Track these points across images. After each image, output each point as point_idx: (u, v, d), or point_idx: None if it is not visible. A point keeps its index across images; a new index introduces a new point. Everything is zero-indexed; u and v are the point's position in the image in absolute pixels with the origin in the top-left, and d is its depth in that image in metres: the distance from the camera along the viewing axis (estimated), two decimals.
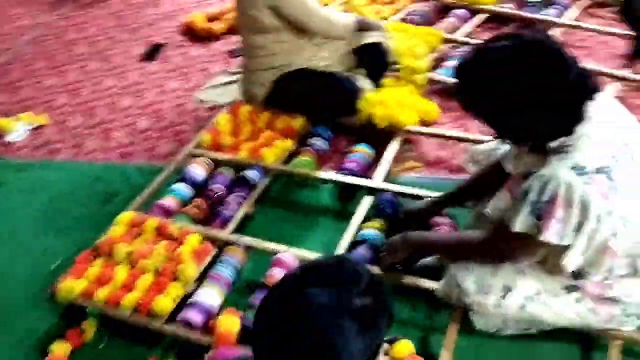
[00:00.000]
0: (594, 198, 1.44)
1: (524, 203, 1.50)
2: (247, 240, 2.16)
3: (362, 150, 2.55)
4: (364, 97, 2.65)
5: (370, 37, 2.83)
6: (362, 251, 2.06)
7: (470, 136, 2.62)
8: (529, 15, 3.42)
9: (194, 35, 3.73)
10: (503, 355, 1.83)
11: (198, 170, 2.49)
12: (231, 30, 3.71)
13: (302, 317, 0.91)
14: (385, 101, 2.65)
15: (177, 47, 3.67)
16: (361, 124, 2.65)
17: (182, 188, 2.42)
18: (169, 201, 2.36)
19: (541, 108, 1.44)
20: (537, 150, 1.54)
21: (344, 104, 2.64)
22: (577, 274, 1.65)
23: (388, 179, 2.43)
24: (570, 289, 1.68)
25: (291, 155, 2.57)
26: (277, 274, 1.99)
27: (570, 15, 3.43)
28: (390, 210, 2.23)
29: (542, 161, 1.50)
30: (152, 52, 3.61)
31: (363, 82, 2.77)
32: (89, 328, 1.95)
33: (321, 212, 2.42)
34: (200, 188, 2.46)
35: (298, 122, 2.67)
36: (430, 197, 2.20)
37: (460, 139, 2.62)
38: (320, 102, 2.65)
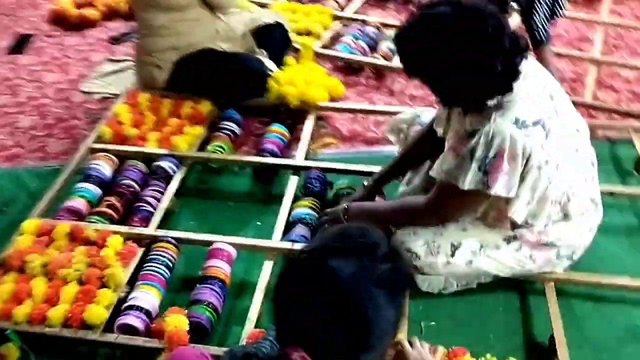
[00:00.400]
0: (534, 149, 1.53)
1: (472, 160, 1.54)
2: (177, 234, 2.02)
3: (278, 131, 2.49)
4: (273, 77, 2.59)
5: (268, 18, 2.77)
6: (300, 231, 2.02)
7: (379, 108, 2.67)
8: None
9: (65, 23, 3.40)
10: (452, 312, 1.89)
11: (103, 167, 2.28)
12: (107, 17, 3.45)
13: (331, 292, 0.87)
14: (294, 80, 2.61)
15: (47, 37, 3.33)
16: (272, 104, 2.59)
17: (89, 187, 2.20)
18: (76, 203, 2.14)
19: (482, 70, 1.48)
20: (475, 110, 1.60)
21: (253, 85, 2.56)
22: (514, 225, 1.75)
23: (309, 156, 2.40)
24: (510, 239, 1.77)
25: (203, 142, 2.44)
26: (216, 264, 1.89)
27: None
28: (319, 187, 2.21)
29: (483, 119, 1.56)
30: (20, 44, 3.24)
31: (267, 62, 2.70)
32: (12, 352, 1.71)
33: (245, 197, 2.34)
34: (108, 185, 2.25)
35: (206, 107, 2.54)
36: (353, 170, 2.22)
37: (369, 112, 2.66)
38: (228, 84, 2.54)
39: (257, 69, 2.55)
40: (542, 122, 1.56)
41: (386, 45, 3.00)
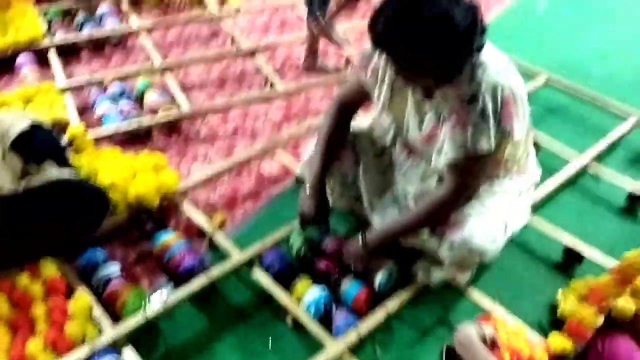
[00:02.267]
0: (521, 87, 1.58)
1: (485, 119, 1.51)
2: None
3: (173, 239, 1.88)
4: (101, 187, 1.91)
5: (17, 125, 1.97)
6: (342, 316, 1.70)
7: (238, 158, 2.30)
8: None
9: None
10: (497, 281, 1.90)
11: None
12: None
13: None
14: (123, 179, 1.98)
15: None
16: (125, 218, 1.95)
17: None
18: None
19: (466, 46, 1.44)
20: (450, 79, 1.53)
21: (97, 208, 1.84)
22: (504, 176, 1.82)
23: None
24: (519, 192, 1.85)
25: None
26: None
27: None
28: (280, 265, 1.83)
29: (472, 82, 1.52)
30: None
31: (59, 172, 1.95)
32: None
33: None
34: None
35: (50, 268, 1.74)
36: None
37: (228, 169, 2.26)
38: (64, 223, 1.76)
39: (90, 189, 1.84)
40: (510, 65, 1.59)
41: (150, 97, 2.54)
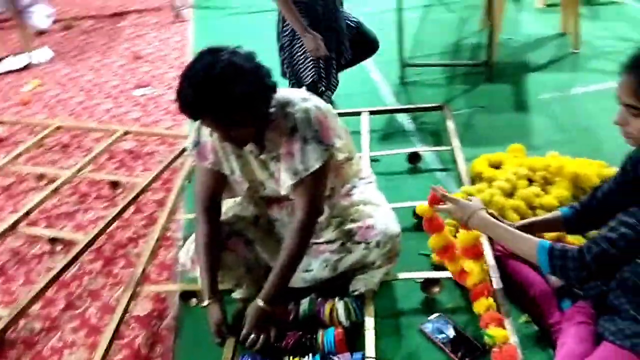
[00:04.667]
0: (326, 104, 1.82)
1: (309, 141, 1.71)
2: None
3: None
4: None
5: None
6: None
7: None
8: None
9: None
10: None
11: None
12: None
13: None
14: None
15: None
16: None
17: None
18: None
19: (260, 80, 1.63)
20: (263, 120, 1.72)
21: None
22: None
23: None
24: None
25: None
26: None
27: None
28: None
29: (284, 118, 1.72)
30: None
31: None
32: None
33: None
34: None
35: None
36: None
37: None
38: None
39: None
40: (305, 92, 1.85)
41: None
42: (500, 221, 1.77)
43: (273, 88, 1.67)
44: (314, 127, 1.71)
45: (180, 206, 2.59)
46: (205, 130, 1.78)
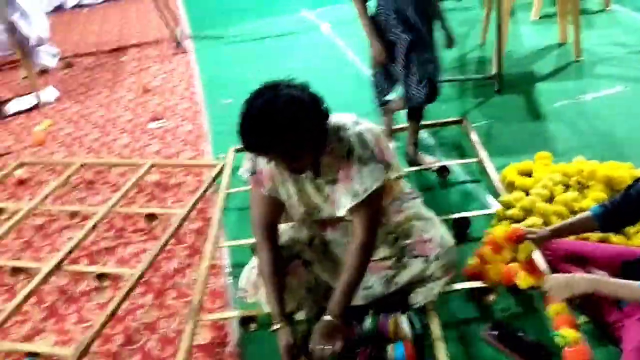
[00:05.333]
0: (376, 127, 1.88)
1: (367, 162, 1.75)
2: None
3: None
4: None
5: None
6: None
7: None
8: None
9: None
10: None
11: None
12: None
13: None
14: None
15: None
16: None
17: None
18: None
19: (318, 112, 1.69)
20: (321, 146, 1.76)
21: None
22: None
23: None
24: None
25: None
26: None
27: None
28: None
29: (339, 142, 1.77)
30: None
31: None
32: None
33: None
34: None
35: None
36: None
37: None
38: None
39: None
40: (355, 116, 1.87)
41: None
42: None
43: (327, 115, 1.72)
44: (369, 148, 1.76)
45: (221, 234, 2.62)
46: (262, 158, 1.80)
